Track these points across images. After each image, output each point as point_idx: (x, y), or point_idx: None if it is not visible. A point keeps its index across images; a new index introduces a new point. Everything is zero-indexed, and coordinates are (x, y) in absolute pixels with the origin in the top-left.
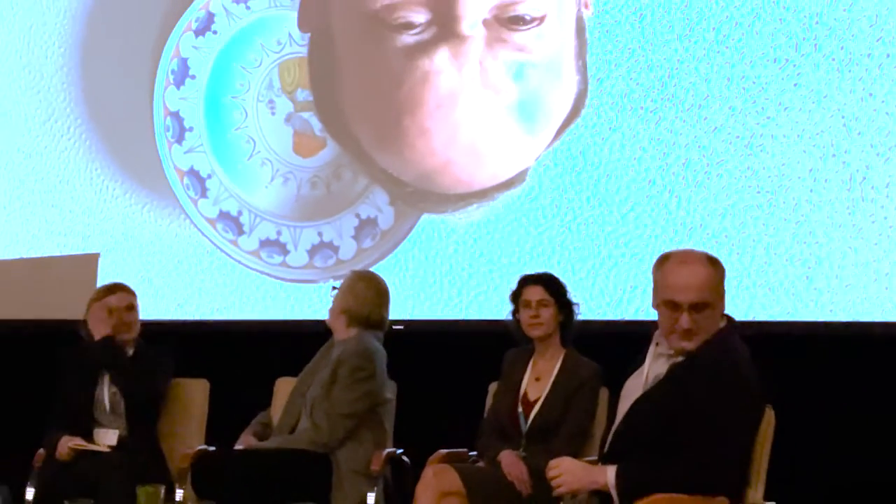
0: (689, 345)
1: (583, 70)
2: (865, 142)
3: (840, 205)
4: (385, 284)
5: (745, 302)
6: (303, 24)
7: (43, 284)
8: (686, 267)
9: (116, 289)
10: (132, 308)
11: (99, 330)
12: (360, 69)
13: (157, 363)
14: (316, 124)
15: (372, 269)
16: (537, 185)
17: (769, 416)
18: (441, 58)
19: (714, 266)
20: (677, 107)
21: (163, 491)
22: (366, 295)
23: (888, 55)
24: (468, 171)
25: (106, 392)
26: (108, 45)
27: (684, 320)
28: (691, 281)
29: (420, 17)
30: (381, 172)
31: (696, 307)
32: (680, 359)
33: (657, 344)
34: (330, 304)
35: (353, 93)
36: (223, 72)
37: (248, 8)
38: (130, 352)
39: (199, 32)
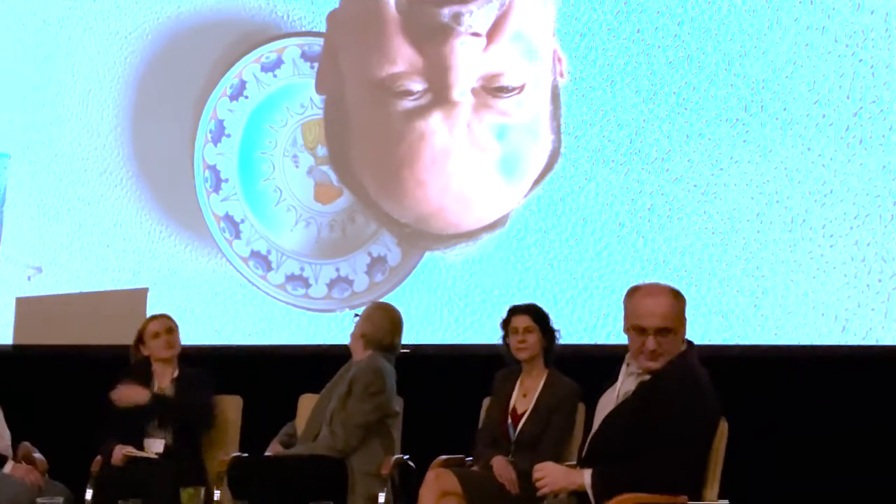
0: (655, 364)
1: (557, 130)
2: (804, 189)
3: (783, 244)
4: (399, 315)
5: (703, 327)
6: (319, 88)
7: (100, 314)
8: (652, 298)
9: (159, 316)
10: (172, 331)
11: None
12: (368, 129)
13: (199, 385)
14: (333, 176)
15: (385, 301)
16: (523, 226)
17: (723, 427)
18: (435, 120)
19: (676, 297)
20: (643, 160)
21: (203, 492)
22: (381, 323)
23: (823, 115)
24: (458, 215)
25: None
26: (155, 108)
27: (650, 343)
28: (656, 310)
29: (418, 85)
30: (386, 216)
31: (660, 332)
32: (647, 377)
33: (627, 364)
34: (351, 329)
35: (361, 149)
36: (254, 131)
37: (275, 76)
38: (176, 373)
39: (234, 97)
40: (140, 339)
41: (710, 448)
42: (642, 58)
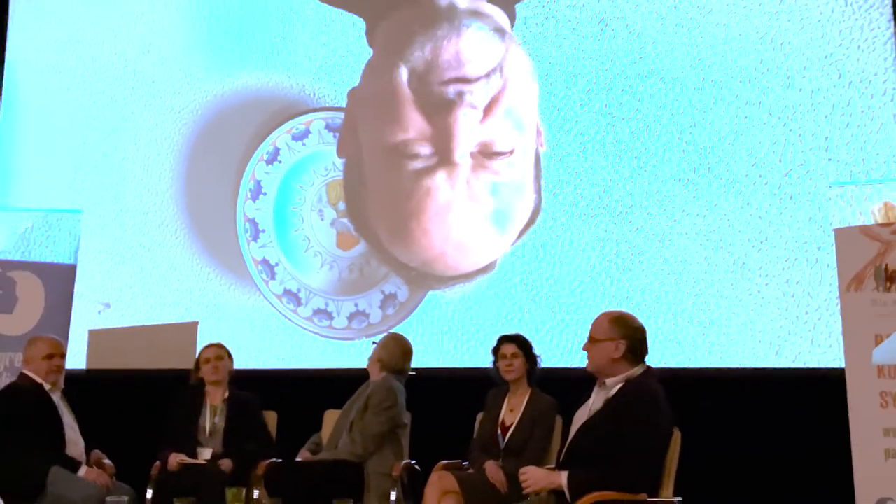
0: (589, 365)
1: (539, 189)
2: (743, 237)
3: (726, 283)
4: (409, 344)
5: (660, 353)
6: (340, 152)
7: (158, 344)
8: (597, 316)
9: (212, 345)
10: (220, 358)
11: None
12: (381, 186)
13: (250, 410)
14: (351, 227)
15: (396, 332)
16: (511, 270)
17: (676, 436)
18: (440, 178)
19: (610, 319)
20: (610, 213)
21: (244, 492)
22: (395, 350)
23: (760, 175)
24: (457, 260)
25: (207, 422)
26: (203, 170)
27: (586, 346)
28: (593, 324)
29: (426, 149)
30: (396, 261)
31: (590, 339)
32: (612, 394)
33: (600, 385)
34: (369, 355)
35: (376, 204)
36: (286, 189)
37: (304, 144)
38: (226, 394)
39: (269, 161)
40: (197, 363)
41: (666, 454)
42: (609, 128)
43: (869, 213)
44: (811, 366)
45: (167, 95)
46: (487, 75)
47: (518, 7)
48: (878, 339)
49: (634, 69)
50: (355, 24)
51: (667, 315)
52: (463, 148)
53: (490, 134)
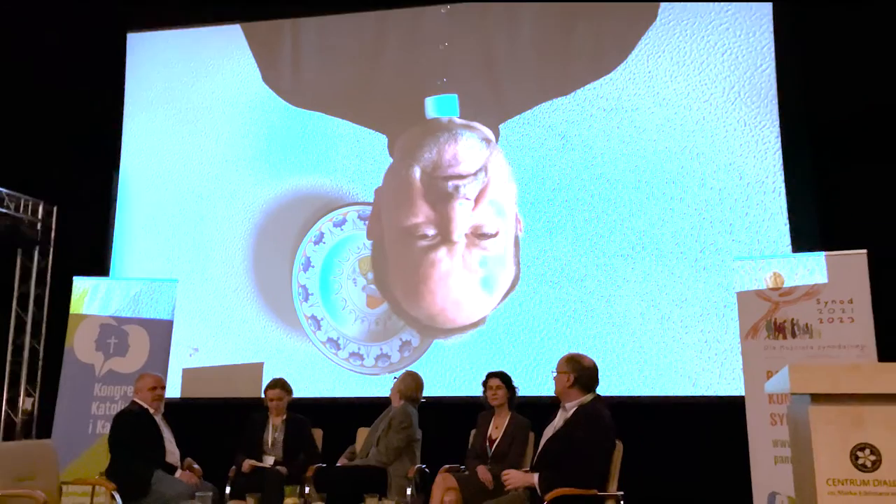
0: (555, 391)
1: (517, 263)
2: (669, 298)
3: (657, 332)
4: (422, 379)
5: (607, 384)
6: (369, 235)
7: (233, 378)
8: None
9: (275, 382)
10: (281, 398)
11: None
12: (398, 258)
13: (304, 428)
14: (377, 291)
15: (414, 371)
16: (496, 324)
17: (619, 446)
18: (441, 253)
19: (567, 359)
20: (570, 281)
21: (298, 489)
22: (411, 384)
23: (681, 252)
24: (455, 314)
25: (270, 436)
26: (267, 249)
27: (554, 377)
28: (557, 362)
29: (431, 231)
30: (408, 315)
31: (556, 373)
32: (569, 415)
33: (562, 408)
34: (391, 386)
35: (394, 272)
36: (329, 263)
37: (342, 230)
38: (285, 416)
39: (316, 242)
40: (265, 393)
41: (611, 460)
42: (569, 217)
43: (762, 280)
44: (719, 394)
45: (239, 193)
46: (475, 173)
47: (501, 126)
48: (769, 374)
49: (588, 172)
50: (381, 140)
51: (611, 355)
52: (459, 230)
53: (480, 219)
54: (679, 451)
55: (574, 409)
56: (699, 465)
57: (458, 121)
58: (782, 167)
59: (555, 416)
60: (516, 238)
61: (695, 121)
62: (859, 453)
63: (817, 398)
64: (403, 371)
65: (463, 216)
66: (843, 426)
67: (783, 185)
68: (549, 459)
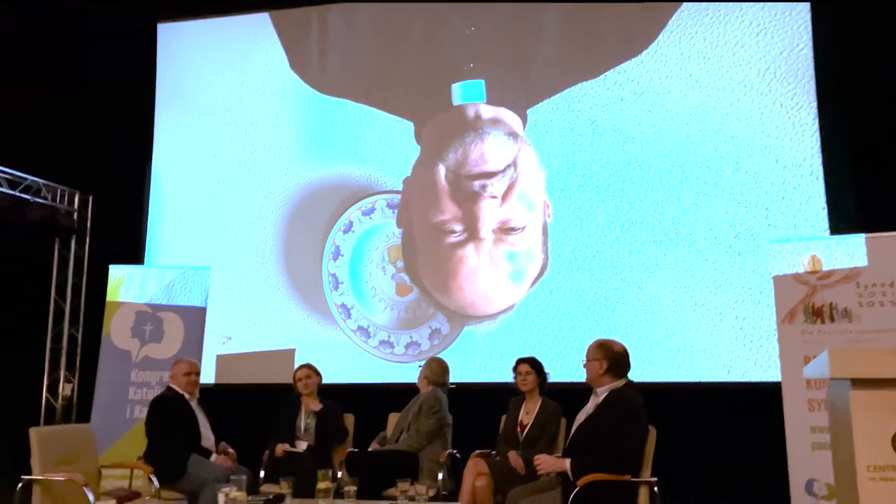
0: (586, 378)
1: (546, 252)
2: (703, 285)
3: (690, 319)
4: (447, 364)
5: (640, 370)
6: (399, 223)
7: (265, 365)
8: (590, 344)
9: (304, 366)
10: (310, 377)
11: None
12: (428, 252)
13: (337, 413)
14: (406, 279)
15: (439, 356)
16: (525, 311)
17: (652, 432)
18: (469, 249)
19: (597, 345)
20: (602, 267)
21: (330, 473)
22: (437, 369)
23: (715, 237)
24: (484, 306)
25: (302, 422)
26: (298, 238)
27: (584, 365)
28: (587, 349)
29: (458, 227)
30: (438, 304)
31: (586, 359)
32: (601, 401)
33: (594, 394)
34: (418, 374)
35: (424, 265)
36: (359, 252)
37: (370, 218)
38: (317, 402)
39: (346, 231)
40: (294, 379)
41: (645, 445)
42: (600, 204)
43: (800, 264)
44: (753, 380)
45: (271, 183)
46: (504, 170)
47: (529, 111)
48: (807, 360)
49: (619, 158)
50: (408, 128)
51: (644, 342)
52: (486, 227)
53: (507, 215)
54: (714, 437)
55: (605, 394)
56: (734, 452)
57: (485, 115)
58: (820, 149)
59: (587, 402)
60: (545, 225)
61: (729, 103)
62: None
63: (858, 383)
64: (428, 358)
65: (490, 213)
66: (884, 411)
67: (821, 167)
68: (582, 445)
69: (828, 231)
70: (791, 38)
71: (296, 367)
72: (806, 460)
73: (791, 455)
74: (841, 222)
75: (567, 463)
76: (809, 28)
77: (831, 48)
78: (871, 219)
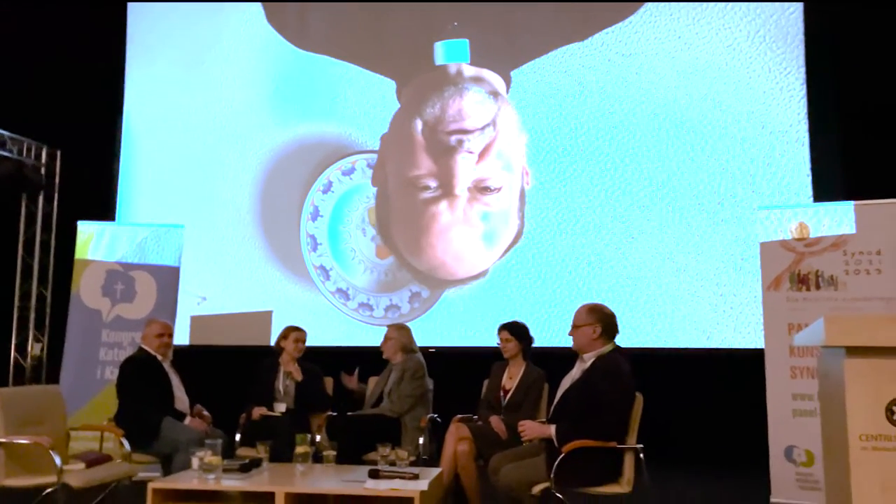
0: (574, 345)
1: (522, 217)
2: (685, 251)
3: (672, 285)
4: (409, 329)
5: (625, 335)
6: (374, 181)
7: (241, 326)
8: (577, 310)
9: (299, 329)
10: (303, 341)
11: (285, 352)
12: (400, 209)
13: (318, 379)
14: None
15: (417, 319)
16: (500, 276)
17: (639, 398)
18: (443, 206)
19: (588, 310)
20: (584, 232)
21: (309, 437)
22: (406, 337)
23: (699, 203)
24: (453, 267)
25: (281, 384)
26: (274, 197)
27: (571, 332)
28: (574, 314)
29: (433, 183)
30: (411, 266)
31: (574, 326)
32: (587, 366)
33: (579, 360)
34: (385, 344)
35: (396, 222)
36: (337, 213)
37: (350, 178)
38: (297, 365)
39: (325, 191)
40: (284, 335)
41: (631, 411)
42: (584, 168)
43: (787, 231)
44: (733, 346)
45: (247, 140)
46: (482, 128)
47: (513, 73)
48: (791, 327)
49: (604, 121)
50: (390, 86)
51: (625, 307)
52: (461, 184)
53: (483, 173)
54: (694, 403)
55: (592, 360)
56: (714, 418)
57: (467, 73)
58: (807, 116)
59: (570, 369)
60: (522, 191)
61: (717, 67)
62: (895, 408)
63: (853, 351)
64: (391, 326)
65: (465, 170)
66: (878, 380)
67: (807, 134)
68: (568, 411)
69: (811, 199)
70: (782, 1)
71: (273, 328)
72: (786, 427)
73: (772, 421)
74: (824, 190)
75: (552, 429)
76: None
77: (822, 12)
78: (854, 187)
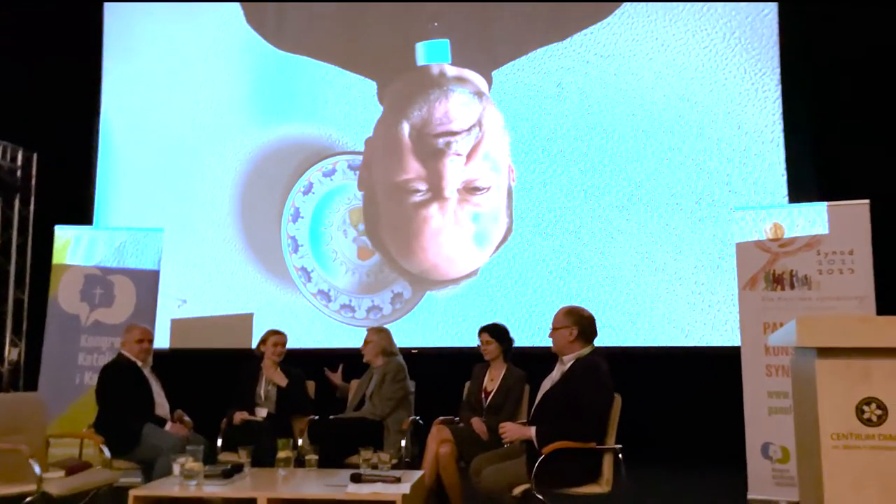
0: (553, 347)
1: (510, 216)
2: (663, 250)
3: (651, 284)
4: (389, 331)
5: (603, 335)
6: (360, 186)
7: (222, 329)
8: (556, 312)
9: (280, 333)
10: (283, 344)
11: (265, 356)
12: (390, 213)
13: (300, 382)
14: (368, 243)
15: (399, 320)
16: (489, 275)
17: (618, 400)
18: (433, 209)
19: (566, 313)
20: (565, 232)
21: (291, 442)
22: (386, 339)
23: (677, 203)
24: (447, 269)
25: (262, 389)
26: (255, 199)
27: (550, 334)
28: (553, 317)
29: (422, 186)
30: (401, 268)
31: (553, 328)
32: (567, 368)
33: (559, 362)
34: (366, 348)
35: (386, 226)
36: (319, 214)
37: (331, 180)
38: (284, 380)
39: (305, 193)
40: (263, 340)
41: (610, 412)
42: (564, 167)
43: (762, 231)
44: (712, 344)
45: (227, 141)
46: (469, 129)
47: (494, 73)
48: (766, 326)
49: (584, 122)
50: (370, 87)
51: (604, 307)
52: (450, 186)
53: (472, 174)
54: (673, 400)
55: (571, 362)
56: (693, 415)
57: (450, 73)
58: (781, 116)
59: (552, 369)
60: (510, 190)
61: (694, 68)
62: (865, 407)
63: (824, 352)
64: (371, 329)
65: (454, 172)
66: (849, 380)
67: (782, 135)
68: (548, 413)
69: (786, 199)
70: (757, 2)
71: (254, 331)
72: (763, 424)
73: (748, 419)
74: (799, 191)
75: (532, 431)
76: None
77: (796, 12)
78: (828, 187)
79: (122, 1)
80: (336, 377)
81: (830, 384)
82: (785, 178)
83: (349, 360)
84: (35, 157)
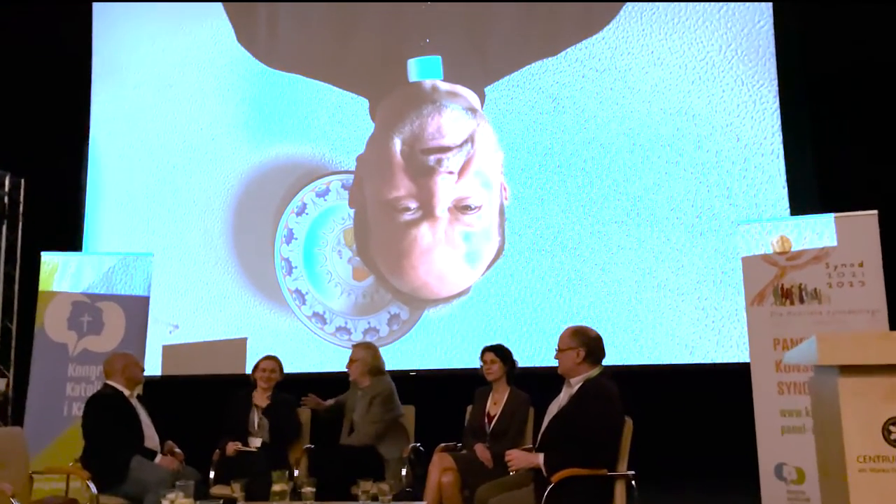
0: (559, 369)
1: (502, 234)
2: (664, 265)
3: (652, 300)
4: (377, 347)
5: (609, 353)
6: (351, 203)
7: (215, 355)
8: (561, 333)
9: (269, 358)
10: (274, 371)
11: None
12: (381, 232)
13: (289, 409)
14: (362, 263)
15: (397, 342)
16: (481, 294)
17: (629, 423)
18: (424, 228)
19: (570, 333)
20: (563, 248)
21: (287, 473)
22: (374, 357)
23: (677, 217)
24: (437, 287)
25: (256, 418)
26: (248, 221)
27: (556, 356)
28: (559, 337)
29: (413, 204)
30: (393, 288)
31: (559, 349)
32: (575, 391)
33: (566, 384)
34: (352, 367)
35: (377, 245)
36: (313, 235)
37: (325, 200)
38: (269, 395)
39: (299, 213)
40: (255, 368)
41: (621, 437)
42: (561, 184)
43: (769, 245)
44: (716, 361)
45: (218, 163)
46: (461, 145)
47: (487, 89)
48: (776, 342)
49: (580, 137)
50: (362, 106)
51: (606, 324)
52: (442, 204)
53: (463, 192)
54: (680, 420)
55: (580, 384)
56: (704, 434)
57: (442, 88)
58: (780, 128)
59: (554, 391)
60: (501, 207)
61: (690, 81)
62: (892, 427)
63: (847, 370)
64: (356, 345)
65: (446, 190)
66: (874, 399)
67: (781, 146)
68: (556, 438)
69: (788, 211)
70: (752, 14)
71: (248, 356)
72: (775, 444)
73: (760, 439)
74: (800, 202)
75: (540, 458)
76: (770, 4)
77: (792, 24)
78: (830, 198)
79: (112, 17)
80: (311, 402)
81: (854, 404)
82: (786, 189)
83: (345, 384)
84: (23, 182)
